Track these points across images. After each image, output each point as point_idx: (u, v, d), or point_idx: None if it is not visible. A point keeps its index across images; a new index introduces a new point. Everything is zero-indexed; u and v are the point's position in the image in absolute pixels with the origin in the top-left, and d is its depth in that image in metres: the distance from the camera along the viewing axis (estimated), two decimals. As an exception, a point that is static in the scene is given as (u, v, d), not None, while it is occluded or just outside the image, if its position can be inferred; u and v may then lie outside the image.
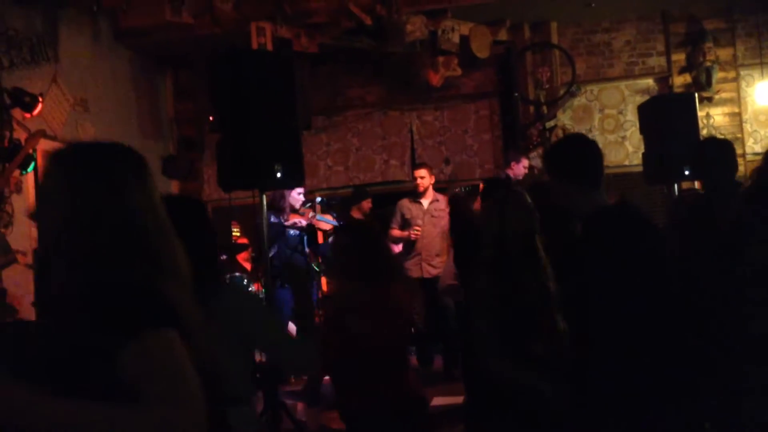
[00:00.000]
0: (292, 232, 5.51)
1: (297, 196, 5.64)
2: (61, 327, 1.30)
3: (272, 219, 5.26)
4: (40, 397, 1.18)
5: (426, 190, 6.35)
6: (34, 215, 1.41)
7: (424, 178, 6.34)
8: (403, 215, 6.34)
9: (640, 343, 2.11)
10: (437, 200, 6.37)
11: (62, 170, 1.36)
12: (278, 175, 3.53)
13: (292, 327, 5.81)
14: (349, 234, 3.07)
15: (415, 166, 6.62)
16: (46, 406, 1.17)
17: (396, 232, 6.33)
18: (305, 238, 5.68)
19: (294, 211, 5.68)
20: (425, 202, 6.34)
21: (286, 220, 5.57)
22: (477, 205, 4.33)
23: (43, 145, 5.33)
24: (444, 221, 6.29)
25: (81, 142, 1.46)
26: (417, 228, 6.22)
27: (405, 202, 6.40)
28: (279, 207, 5.43)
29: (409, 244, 6.27)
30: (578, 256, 2.33)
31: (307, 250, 5.75)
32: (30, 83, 5.24)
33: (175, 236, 1.42)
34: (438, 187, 7.22)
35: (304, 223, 5.66)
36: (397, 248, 6.27)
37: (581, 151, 2.39)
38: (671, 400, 2.10)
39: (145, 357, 1.22)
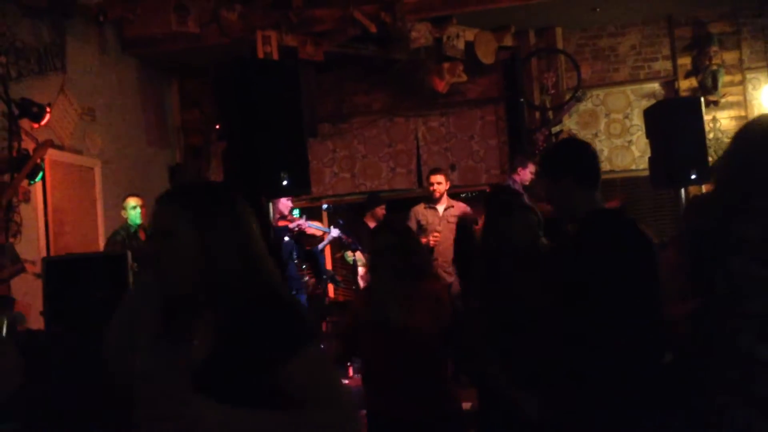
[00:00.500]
0: (285, 239, 5.52)
1: (285, 202, 5.64)
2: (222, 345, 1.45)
3: None
4: (227, 409, 1.33)
5: (442, 195, 6.24)
6: (152, 252, 1.54)
7: (441, 183, 6.21)
8: (418, 221, 6.20)
9: (626, 349, 2.11)
10: (452, 206, 6.25)
11: (187, 210, 1.51)
12: (284, 182, 3.54)
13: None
14: (391, 234, 3.14)
15: (432, 171, 6.47)
16: (237, 417, 1.34)
17: None
18: (295, 245, 5.68)
19: (282, 217, 5.68)
20: (440, 207, 6.22)
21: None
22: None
23: (51, 155, 5.38)
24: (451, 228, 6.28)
25: (186, 184, 1.68)
26: (436, 233, 6.12)
27: (420, 209, 6.27)
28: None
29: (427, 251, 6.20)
30: (569, 255, 2.32)
31: (296, 258, 5.74)
32: (38, 93, 5.28)
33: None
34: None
35: (305, 224, 5.68)
36: None
37: (578, 152, 2.42)
38: (663, 406, 2.09)
39: (308, 368, 1.41)
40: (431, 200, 6.26)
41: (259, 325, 1.43)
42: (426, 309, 2.94)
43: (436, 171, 6.44)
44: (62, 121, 5.72)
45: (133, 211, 5.64)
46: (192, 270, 1.47)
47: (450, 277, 6.14)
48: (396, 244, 3.03)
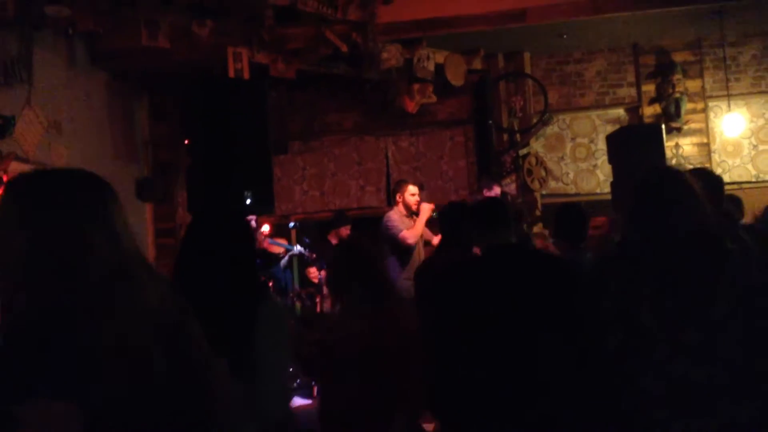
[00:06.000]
0: None
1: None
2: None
3: None
4: None
5: (419, 207, 5.98)
6: None
7: (419, 195, 6.05)
8: (405, 223, 5.89)
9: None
10: None
11: (13, 199, 1.35)
12: (248, 201, 3.56)
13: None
14: (348, 252, 2.89)
15: (405, 181, 6.24)
16: None
17: (411, 231, 5.80)
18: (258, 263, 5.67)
19: None
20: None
21: None
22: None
23: (15, 168, 5.32)
24: (421, 244, 6.23)
25: (36, 171, 1.42)
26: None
27: (396, 214, 5.95)
28: None
29: (404, 264, 5.83)
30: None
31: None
32: (3, 106, 5.22)
33: (145, 267, 1.39)
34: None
35: (265, 241, 5.70)
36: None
37: (490, 209, 3.01)
38: None
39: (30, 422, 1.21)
40: (410, 212, 5.98)
41: (18, 353, 1.23)
42: (392, 336, 2.61)
43: (408, 182, 6.19)
44: (27, 133, 5.66)
45: None
46: (10, 272, 1.31)
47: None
48: (360, 265, 2.77)
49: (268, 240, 5.82)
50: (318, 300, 6.17)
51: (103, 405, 1.22)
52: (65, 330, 1.24)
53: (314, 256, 6.16)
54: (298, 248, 6.05)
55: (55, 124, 6.05)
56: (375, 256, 2.95)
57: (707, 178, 2.95)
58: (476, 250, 3.59)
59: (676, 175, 2.29)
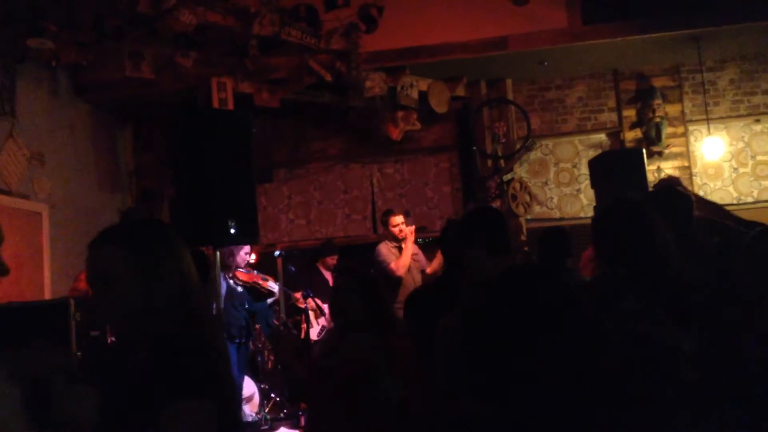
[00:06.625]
0: (239, 289, 5.49)
1: (244, 255, 5.63)
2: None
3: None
4: None
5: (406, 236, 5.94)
6: (92, 298, 1.51)
7: (404, 224, 6.02)
8: (393, 255, 5.91)
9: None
10: (416, 252, 6.05)
11: (128, 252, 1.49)
12: (232, 231, 3.55)
13: (249, 382, 5.74)
14: (354, 280, 2.78)
15: (389, 212, 6.18)
16: None
17: (399, 263, 5.83)
18: (247, 295, 5.67)
19: (239, 269, 5.67)
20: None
21: (232, 277, 5.57)
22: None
23: (-4, 200, 5.28)
24: (416, 270, 6.18)
25: (122, 224, 1.62)
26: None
27: (385, 247, 5.96)
28: (226, 264, 5.42)
29: (396, 294, 5.72)
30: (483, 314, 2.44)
31: (246, 306, 5.72)
32: (-15, 138, 5.20)
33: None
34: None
35: (258, 277, 5.68)
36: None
37: (488, 223, 2.56)
38: None
39: (176, 422, 1.35)
40: (397, 241, 5.95)
41: (158, 369, 1.41)
42: (392, 365, 2.56)
43: (393, 212, 6.17)
44: (10, 165, 5.63)
45: None
46: (132, 313, 1.46)
47: None
48: (366, 294, 2.74)
49: (262, 277, 5.79)
50: (303, 327, 6.16)
51: (223, 401, 1.43)
52: (193, 341, 1.46)
53: (299, 295, 6.16)
54: (275, 286, 5.96)
55: (38, 156, 6.02)
56: (381, 286, 2.94)
57: (673, 200, 2.89)
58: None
59: (633, 208, 2.30)
